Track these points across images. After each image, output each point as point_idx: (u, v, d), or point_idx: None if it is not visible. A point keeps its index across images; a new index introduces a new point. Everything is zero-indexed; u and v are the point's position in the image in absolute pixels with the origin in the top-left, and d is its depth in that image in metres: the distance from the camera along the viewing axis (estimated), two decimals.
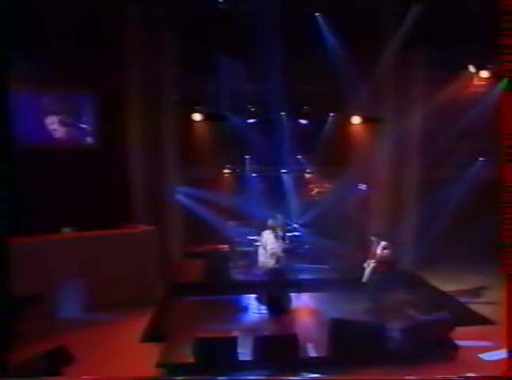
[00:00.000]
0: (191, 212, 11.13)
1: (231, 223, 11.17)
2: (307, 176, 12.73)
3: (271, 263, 8.20)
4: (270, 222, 8.47)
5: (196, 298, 9.14)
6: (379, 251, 7.82)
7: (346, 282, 9.29)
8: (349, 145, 11.55)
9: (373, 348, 6.20)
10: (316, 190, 12.97)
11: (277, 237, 8.33)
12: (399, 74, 10.07)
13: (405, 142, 10.54)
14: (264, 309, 8.35)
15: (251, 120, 11.15)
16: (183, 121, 10.83)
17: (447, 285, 9.35)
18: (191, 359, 5.87)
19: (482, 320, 7.45)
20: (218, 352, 5.73)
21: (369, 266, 7.92)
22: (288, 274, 8.79)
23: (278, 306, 8.23)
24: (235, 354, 5.82)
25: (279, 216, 10.37)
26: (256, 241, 9.08)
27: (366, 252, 8.16)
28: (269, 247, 8.17)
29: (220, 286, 9.40)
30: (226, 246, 10.20)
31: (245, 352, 5.96)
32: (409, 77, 10.17)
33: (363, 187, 11.82)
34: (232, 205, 11.18)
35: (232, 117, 10.77)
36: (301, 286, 9.49)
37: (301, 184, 12.64)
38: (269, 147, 11.22)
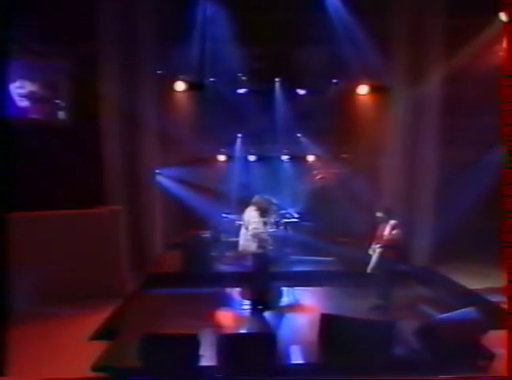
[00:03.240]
0: (173, 196, 9.77)
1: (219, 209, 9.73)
2: (309, 158, 11.21)
3: (252, 246, 6.78)
4: (256, 197, 7.02)
5: (172, 290, 7.82)
6: (387, 232, 6.31)
7: (350, 274, 7.87)
8: (356, 120, 10.06)
9: (378, 354, 4.71)
10: (320, 175, 11.46)
11: (263, 215, 6.88)
12: (413, 29, 8.57)
13: (420, 115, 9.02)
14: (247, 304, 6.90)
15: (242, 91, 9.68)
16: (164, 92, 9.44)
17: (471, 282, 7.76)
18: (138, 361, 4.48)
19: None
20: (171, 353, 4.30)
21: (375, 252, 6.42)
22: (276, 263, 7.37)
23: (263, 301, 6.78)
24: (193, 356, 4.38)
25: (273, 199, 8.98)
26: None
27: (371, 235, 6.66)
28: (250, 226, 6.73)
29: (201, 277, 7.98)
30: (207, 233, 8.75)
31: (209, 355, 4.57)
32: (425, 34, 8.67)
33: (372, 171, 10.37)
34: (220, 189, 9.77)
35: (220, 86, 9.37)
36: (295, 279, 8.08)
37: (302, 167, 11.14)
38: (263, 123, 9.76)
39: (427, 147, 9.20)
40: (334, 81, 9.64)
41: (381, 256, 6.33)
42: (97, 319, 6.16)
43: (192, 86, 9.32)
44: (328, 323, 5.08)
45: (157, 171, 9.76)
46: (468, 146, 9.22)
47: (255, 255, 6.83)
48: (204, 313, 6.60)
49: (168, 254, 9.41)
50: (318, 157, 11.00)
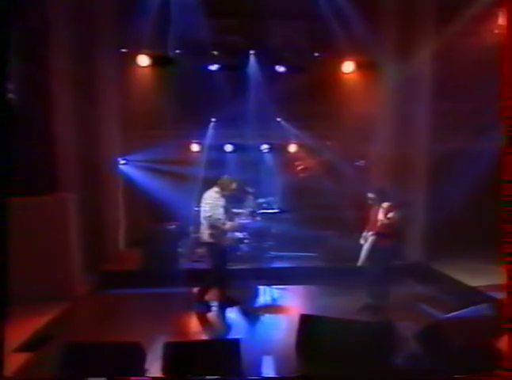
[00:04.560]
0: (139, 186, 8.69)
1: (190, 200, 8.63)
2: (291, 148, 10.18)
3: (205, 235, 5.76)
4: (222, 177, 5.99)
5: (131, 290, 6.78)
6: (380, 216, 5.33)
7: (336, 270, 6.91)
8: (341, 102, 9.09)
9: (372, 362, 3.72)
10: (302, 166, 10.45)
11: (224, 199, 5.84)
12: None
13: (412, 95, 8.11)
14: (213, 306, 5.86)
15: (213, 67, 8.62)
16: (126, 67, 8.35)
17: (472, 280, 6.84)
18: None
19: None
20: (100, 364, 3.23)
21: (367, 240, 5.44)
22: (248, 257, 6.36)
23: (233, 302, 5.75)
24: (132, 368, 3.31)
25: (249, 189, 7.96)
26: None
27: (362, 220, 5.68)
28: (202, 209, 5.69)
29: (164, 276, 6.90)
30: (173, 225, 7.66)
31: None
32: (416, 4, 7.79)
33: (359, 161, 9.45)
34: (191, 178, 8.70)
35: (188, 60, 8.33)
36: (274, 277, 7.09)
37: (283, 157, 10.12)
38: (238, 106, 8.71)
39: (419, 132, 8.31)
40: (317, 55, 8.59)
41: (375, 245, 5.36)
42: (31, 326, 5.03)
43: (157, 60, 8.23)
44: (309, 326, 4.08)
45: (119, 158, 8.67)
46: (464, 130, 8.36)
47: (207, 245, 5.84)
48: (163, 316, 5.55)
49: (131, 251, 8.29)
50: (300, 145, 9.99)
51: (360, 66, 8.73)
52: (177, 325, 5.41)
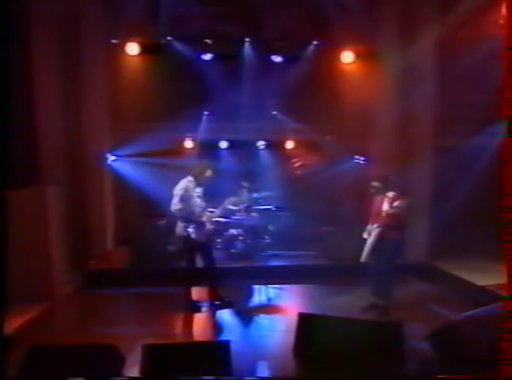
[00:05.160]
0: (130, 181, 8.24)
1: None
2: (288, 144, 9.75)
3: (179, 227, 5.32)
4: (197, 164, 5.58)
5: (117, 290, 6.34)
6: (386, 206, 4.89)
7: (336, 268, 6.47)
8: (340, 94, 8.69)
9: (379, 366, 3.30)
10: (299, 162, 10.01)
11: (201, 187, 5.40)
12: None
13: (415, 87, 7.72)
14: (202, 306, 5.41)
15: (207, 57, 8.21)
16: (114, 56, 7.93)
17: (479, 279, 6.43)
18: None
19: None
20: (64, 369, 2.78)
21: (371, 234, 5.00)
22: (245, 256, 5.94)
23: (224, 302, 5.31)
24: (104, 373, 2.87)
25: (244, 183, 7.53)
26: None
27: (366, 213, 5.24)
28: (173, 200, 5.22)
29: (153, 275, 6.45)
30: (163, 220, 7.19)
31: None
32: None
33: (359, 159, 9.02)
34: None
35: (180, 49, 7.90)
36: (270, 276, 6.64)
37: (279, 154, 9.69)
38: (232, 98, 8.29)
39: (423, 127, 7.90)
40: (315, 43, 8.17)
41: (380, 238, 4.91)
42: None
43: (147, 48, 7.80)
44: (309, 326, 3.64)
45: (108, 152, 8.22)
46: (469, 122, 7.97)
47: (182, 240, 5.41)
48: (148, 316, 5.10)
49: (120, 249, 7.82)
50: (297, 140, 9.57)
51: (360, 56, 8.34)
52: (161, 327, 4.95)
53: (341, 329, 3.50)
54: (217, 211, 5.56)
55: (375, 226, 5.01)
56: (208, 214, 5.44)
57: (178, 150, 8.95)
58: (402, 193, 4.96)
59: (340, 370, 3.32)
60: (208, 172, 5.48)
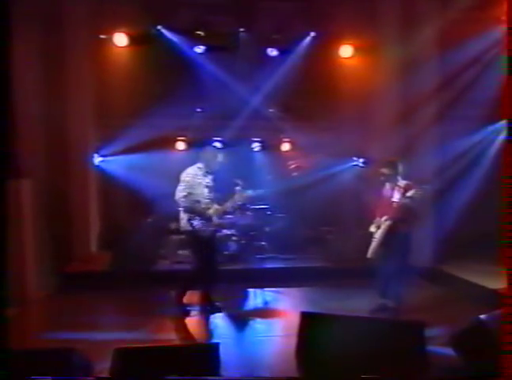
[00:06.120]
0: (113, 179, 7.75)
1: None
2: (284, 146, 9.32)
3: (183, 221, 4.79)
4: (208, 149, 5.05)
5: (99, 293, 5.76)
6: (397, 196, 4.43)
7: (338, 270, 6.00)
8: (339, 91, 8.31)
9: (394, 370, 2.82)
10: (295, 164, 9.55)
11: (209, 176, 4.90)
12: None
13: (418, 83, 7.34)
14: (194, 309, 4.89)
15: (199, 49, 7.79)
16: (101, 47, 7.49)
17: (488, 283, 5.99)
18: None
19: None
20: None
21: (380, 227, 4.52)
22: (237, 256, 5.42)
23: (214, 308, 4.80)
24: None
25: (239, 181, 7.04)
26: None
27: (374, 205, 4.76)
28: (179, 187, 4.69)
29: (136, 278, 5.91)
30: (150, 219, 6.67)
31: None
32: None
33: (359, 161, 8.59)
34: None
35: (172, 38, 7.48)
36: (267, 279, 6.14)
37: (276, 155, 9.24)
38: (226, 94, 7.86)
39: (425, 128, 7.51)
40: (312, 35, 7.77)
41: (390, 232, 4.42)
42: None
43: (136, 39, 7.37)
44: (313, 326, 3.17)
45: (93, 150, 7.72)
46: (470, 118, 7.59)
47: (186, 234, 4.89)
48: (126, 321, 4.59)
49: (104, 253, 7.26)
50: (293, 140, 9.13)
51: (359, 50, 7.98)
52: (139, 331, 4.44)
53: (352, 330, 3.02)
54: (227, 205, 4.99)
55: (384, 218, 4.54)
56: (217, 207, 4.89)
57: (168, 147, 8.49)
58: (416, 182, 4.49)
59: (351, 376, 2.84)
60: (219, 158, 4.97)
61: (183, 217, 4.78)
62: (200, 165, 4.90)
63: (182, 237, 6.67)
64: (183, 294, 4.94)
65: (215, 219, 4.88)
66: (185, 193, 4.66)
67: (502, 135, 8.07)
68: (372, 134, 8.16)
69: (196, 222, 4.69)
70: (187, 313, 4.91)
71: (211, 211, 4.79)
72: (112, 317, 5.07)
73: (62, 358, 2.41)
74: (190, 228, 4.70)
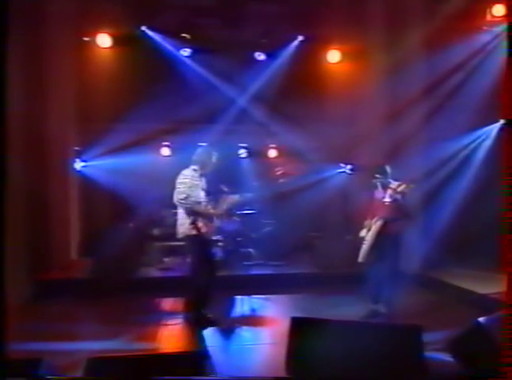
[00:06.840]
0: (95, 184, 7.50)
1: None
2: (271, 153, 9.19)
3: (183, 227, 4.59)
4: (200, 149, 4.84)
5: (76, 302, 5.51)
6: (388, 196, 4.31)
7: (327, 277, 5.83)
8: (327, 97, 8.23)
9: (390, 376, 2.66)
10: (281, 171, 9.42)
11: (204, 178, 4.70)
12: None
13: (405, 88, 7.30)
14: (178, 318, 4.65)
15: (185, 52, 7.64)
16: (83, 48, 7.28)
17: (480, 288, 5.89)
18: None
19: None
20: None
21: (371, 229, 4.39)
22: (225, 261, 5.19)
23: (203, 314, 4.58)
24: None
25: (224, 187, 6.86)
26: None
27: (365, 209, 4.62)
28: (176, 190, 4.50)
29: (116, 285, 5.65)
30: (131, 224, 6.42)
31: None
32: None
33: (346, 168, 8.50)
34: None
35: (157, 39, 7.32)
36: (254, 286, 5.94)
37: (262, 162, 9.09)
38: (213, 99, 7.70)
39: (413, 132, 7.44)
40: (300, 39, 7.70)
41: (381, 233, 4.29)
42: None
43: (119, 40, 7.19)
44: (305, 332, 2.99)
45: (73, 155, 7.47)
46: (461, 123, 7.56)
47: (188, 239, 4.63)
48: (99, 330, 4.35)
49: (85, 260, 6.98)
50: (280, 147, 9.00)
51: (346, 55, 7.94)
52: (117, 340, 4.20)
53: (348, 335, 2.85)
54: (223, 207, 4.82)
55: (374, 219, 4.41)
56: (215, 209, 4.71)
57: (151, 152, 8.28)
58: (406, 181, 4.38)
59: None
60: (214, 158, 4.79)
61: (183, 222, 4.55)
62: (195, 166, 4.70)
63: (169, 243, 6.49)
64: (196, 303, 4.68)
65: (216, 222, 4.71)
66: (184, 195, 4.45)
67: (489, 140, 8.15)
68: (359, 139, 8.09)
69: (201, 225, 4.47)
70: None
71: (212, 212, 4.61)
72: (91, 325, 4.79)
73: (27, 369, 2.18)
74: (195, 232, 4.45)
